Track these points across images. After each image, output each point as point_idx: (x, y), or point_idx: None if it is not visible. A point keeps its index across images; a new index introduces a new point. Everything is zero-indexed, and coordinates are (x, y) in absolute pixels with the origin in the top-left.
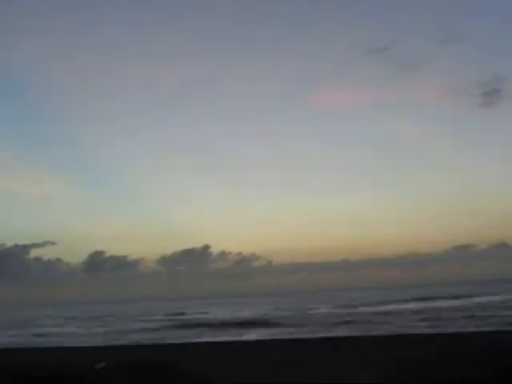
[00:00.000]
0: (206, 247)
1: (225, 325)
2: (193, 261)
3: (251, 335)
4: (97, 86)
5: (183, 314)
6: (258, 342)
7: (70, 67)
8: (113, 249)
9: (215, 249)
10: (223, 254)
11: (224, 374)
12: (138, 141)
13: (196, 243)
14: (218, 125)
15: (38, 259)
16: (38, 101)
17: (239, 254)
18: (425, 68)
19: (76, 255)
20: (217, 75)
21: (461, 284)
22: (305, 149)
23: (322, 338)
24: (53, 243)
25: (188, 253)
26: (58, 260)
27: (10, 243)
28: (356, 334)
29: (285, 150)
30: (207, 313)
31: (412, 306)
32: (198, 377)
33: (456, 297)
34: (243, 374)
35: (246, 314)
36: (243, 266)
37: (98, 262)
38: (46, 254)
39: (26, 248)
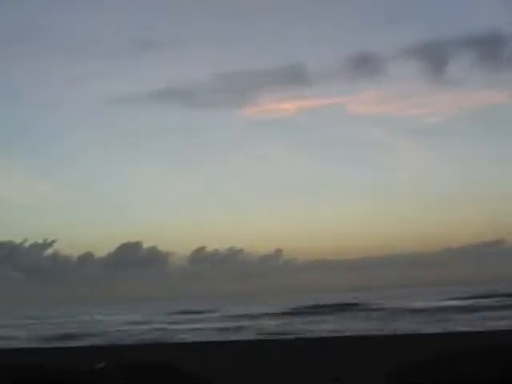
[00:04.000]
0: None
1: None
2: (219, 260)
3: (251, 335)
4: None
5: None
6: (258, 341)
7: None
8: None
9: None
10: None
11: (224, 373)
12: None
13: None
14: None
15: (67, 256)
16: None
17: (266, 251)
18: None
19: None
20: None
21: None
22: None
23: (321, 338)
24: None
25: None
26: (88, 254)
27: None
28: (356, 334)
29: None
30: None
31: None
32: (198, 377)
33: None
34: (243, 374)
35: None
36: (269, 263)
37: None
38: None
39: (44, 246)
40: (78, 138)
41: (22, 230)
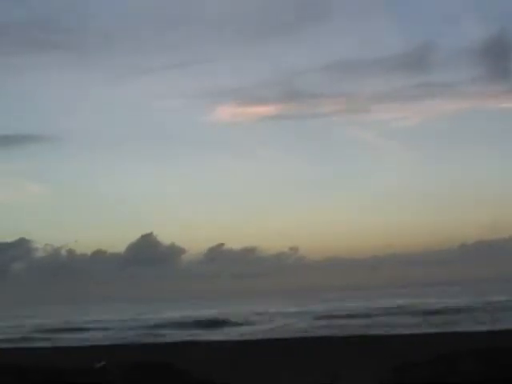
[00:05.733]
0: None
1: None
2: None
3: (251, 335)
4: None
5: None
6: (258, 341)
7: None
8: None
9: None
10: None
11: (224, 374)
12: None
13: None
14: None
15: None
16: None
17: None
18: None
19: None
20: None
21: None
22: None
23: (321, 338)
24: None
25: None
26: (101, 251)
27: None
28: (356, 333)
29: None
30: None
31: None
32: (198, 377)
33: None
34: (243, 374)
35: None
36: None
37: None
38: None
39: (59, 246)
40: (89, 138)
41: (34, 230)
